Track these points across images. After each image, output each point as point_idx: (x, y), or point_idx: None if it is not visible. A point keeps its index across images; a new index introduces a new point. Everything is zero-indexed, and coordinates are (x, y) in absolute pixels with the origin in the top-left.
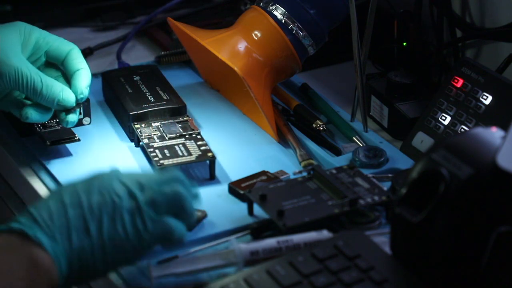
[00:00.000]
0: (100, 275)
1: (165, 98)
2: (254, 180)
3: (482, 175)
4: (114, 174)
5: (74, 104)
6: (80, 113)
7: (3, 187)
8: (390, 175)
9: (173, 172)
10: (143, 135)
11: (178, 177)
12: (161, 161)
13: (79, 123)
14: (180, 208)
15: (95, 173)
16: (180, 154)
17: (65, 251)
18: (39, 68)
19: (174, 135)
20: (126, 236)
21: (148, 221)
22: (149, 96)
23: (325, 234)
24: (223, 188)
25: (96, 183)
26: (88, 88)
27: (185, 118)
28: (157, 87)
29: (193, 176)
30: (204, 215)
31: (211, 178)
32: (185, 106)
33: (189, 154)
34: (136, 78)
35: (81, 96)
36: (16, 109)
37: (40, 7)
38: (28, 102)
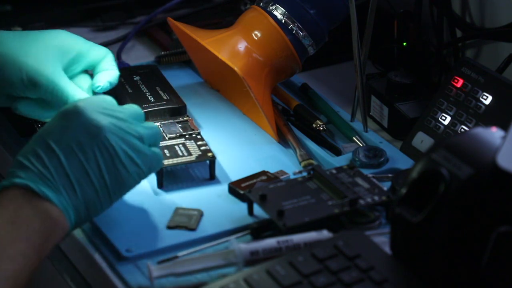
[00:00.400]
0: (105, 209)
1: (165, 98)
2: (254, 180)
3: (482, 175)
4: (87, 107)
5: None
6: None
7: None
8: (390, 175)
9: (134, 108)
10: None
11: (142, 113)
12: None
13: None
14: (157, 140)
15: (67, 110)
16: (180, 154)
17: (71, 202)
18: (73, 77)
19: (174, 135)
20: (127, 172)
21: (143, 153)
22: (149, 96)
23: (325, 234)
24: (223, 188)
25: (77, 121)
26: (108, 84)
27: (185, 118)
28: (157, 87)
29: (193, 176)
30: (201, 214)
31: (211, 178)
32: (185, 106)
33: (189, 154)
34: (136, 78)
35: (98, 86)
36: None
37: (40, 7)
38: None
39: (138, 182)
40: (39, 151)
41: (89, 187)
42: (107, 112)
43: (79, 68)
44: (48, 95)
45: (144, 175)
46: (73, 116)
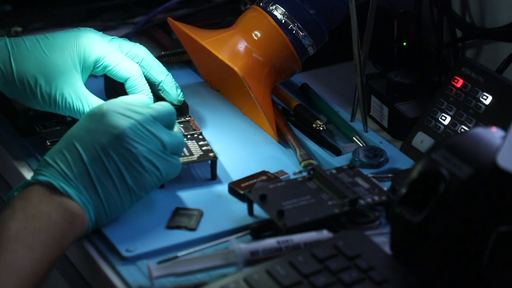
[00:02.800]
0: (126, 209)
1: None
2: (254, 180)
3: (482, 175)
4: (112, 109)
5: None
6: None
7: (3, 187)
8: (390, 175)
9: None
10: None
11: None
12: None
13: None
14: (179, 150)
15: (93, 112)
16: (182, 154)
17: (92, 201)
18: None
19: None
20: (147, 174)
21: (162, 159)
22: None
23: (325, 234)
24: (223, 188)
25: (100, 124)
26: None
27: (187, 118)
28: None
29: (194, 176)
30: (201, 214)
31: (213, 178)
32: (187, 106)
33: (191, 154)
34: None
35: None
36: None
37: (40, 7)
38: None
39: (157, 184)
40: (64, 151)
41: (110, 187)
42: (134, 113)
43: (99, 69)
44: (60, 109)
45: (162, 179)
46: (98, 118)
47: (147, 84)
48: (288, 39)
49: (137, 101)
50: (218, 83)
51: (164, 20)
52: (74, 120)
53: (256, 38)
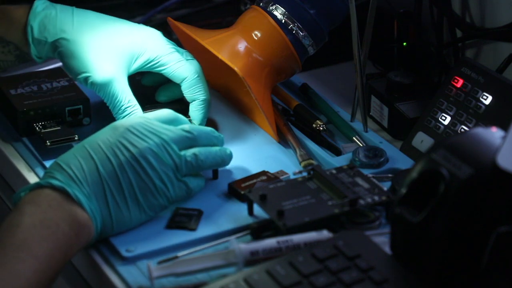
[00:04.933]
0: (134, 224)
1: None
2: (254, 180)
3: (482, 175)
4: (134, 126)
5: None
6: None
7: (3, 187)
8: (390, 175)
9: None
10: None
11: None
12: None
13: (79, 123)
14: (192, 171)
15: (115, 125)
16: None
17: (100, 210)
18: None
19: None
20: (158, 194)
21: (172, 181)
22: (150, 96)
23: (325, 234)
24: (223, 188)
25: (120, 139)
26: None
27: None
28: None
29: None
30: (201, 214)
31: (214, 177)
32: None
33: None
34: (138, 78)
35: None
36: None
37: None
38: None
39: (167, 206)
40: (79, 159)
41: (121, 203)
42: (152, 132)
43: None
44: (106, 97)
45: (172, 200)
46: (117, 132)
47: (203, 86)
48: (288, 39)
49: (163, 117)
50: (218, 83)
51: (164, 20)
52: (74, 120)
53: (256, 38)
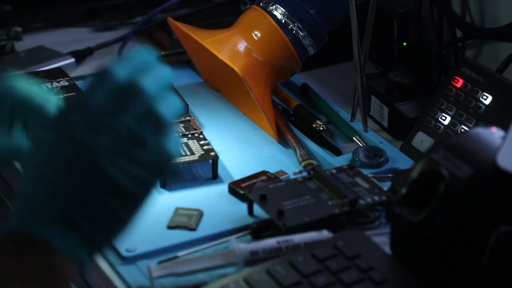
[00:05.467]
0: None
1: None
2: (254, 180)
3: (482, 175)
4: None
5: None
6: None
7: (3, 187)
8: (390, 175)
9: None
10: None
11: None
12: None
13: None
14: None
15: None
16: (183, 153)
17: (80, 241)
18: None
19: None
20: (136, 185)
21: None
22: None
23: (325, 234)
24: (223, 188)
25: (67, 144)
26: None
27: (187, 118)
28: None
29: (195, 176)
30: (201, 214)
31: (214, 177)
32: (187, 106)
33: (192, 153)
34: None
35: None
36: None
37: (40, 7)
38: None
39: (147, 191)
40: (30, 186)
41: (94, 208)
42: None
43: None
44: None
45: (152, 184)
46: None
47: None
48: (288, 39)
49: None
50: (218, 83)
51: (164, 20)
52: None
53: (256, 38)
